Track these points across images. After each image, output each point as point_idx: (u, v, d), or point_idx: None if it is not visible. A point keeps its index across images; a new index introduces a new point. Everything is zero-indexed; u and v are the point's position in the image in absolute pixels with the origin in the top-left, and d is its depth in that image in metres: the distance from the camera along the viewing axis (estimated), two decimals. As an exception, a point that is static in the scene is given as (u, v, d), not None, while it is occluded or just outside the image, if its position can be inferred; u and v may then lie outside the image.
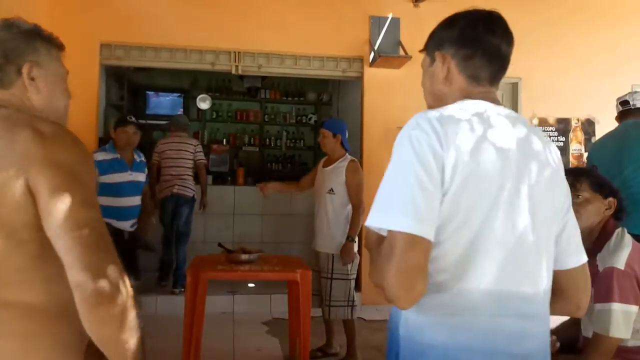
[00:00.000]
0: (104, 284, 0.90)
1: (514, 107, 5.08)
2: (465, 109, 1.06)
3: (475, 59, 1.13)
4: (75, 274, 0.91)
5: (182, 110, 7.21)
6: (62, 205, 0.93)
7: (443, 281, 0.99)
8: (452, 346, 0.99)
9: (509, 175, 1.02)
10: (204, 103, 6.98)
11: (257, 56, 4.78)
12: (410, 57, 4.60)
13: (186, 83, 7.31)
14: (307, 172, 3.85)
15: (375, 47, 4.76)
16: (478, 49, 1.12)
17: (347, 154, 3.42)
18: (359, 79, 4.95)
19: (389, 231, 0.98)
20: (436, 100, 1.17)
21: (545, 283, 1.08)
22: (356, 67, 4.91)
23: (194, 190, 4.72)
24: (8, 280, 0.96)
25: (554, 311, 1.16)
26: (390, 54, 4.67)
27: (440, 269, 0.99)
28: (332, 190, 3.32)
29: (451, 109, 1.05)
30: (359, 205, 3.27)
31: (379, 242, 1.03)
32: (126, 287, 0.94)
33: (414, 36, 4.78)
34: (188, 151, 4.69)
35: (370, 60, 4.81)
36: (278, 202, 5.28)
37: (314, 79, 5.77)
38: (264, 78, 7.07)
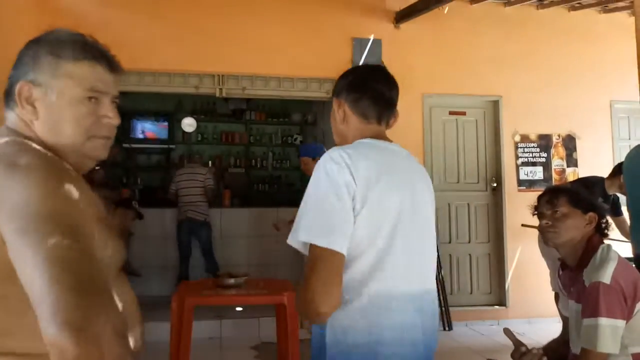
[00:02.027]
0: (88, 344, 0.67)
1: (496, 124, 5.15)
2: (365, 146, 1.32)
3: (363, 100, 1.38)
4: (49, 328, 0.68)
5: (167, 133, 7.19)
6: (29, 248, 0.74)
7: (360, 289, 1.21)
8: (372, 341, 1.20)
9: (405, 196, 1.29)
10: (189, 126, 6.97)
11: (241, 78, 4.80)
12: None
13: (171, 106, 7.30)
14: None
15: (358, 68, 4.81)
16: (364, 92, 1.38)
17: None
18: (343, 99, 4.99)
19: (311, 246, 1.18)
20: (339, 138, 1.44)
21: (433, 283, 1.37)
22: (340, 87, 4.95)
23: (206, 214, 5.28)
24: None
25: None
26: (372, 75, 4.72)
27: (357, 279, 1.21)
28: None
29: (355, 147, 1.30)
30: None
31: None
32: (121, 344, 0.72)
33: (396, 57, 4.87)
34: (199, 180, 5.30)
35: (354, 81, 4.86)
36: (263, 224, 5.25)
37: (298, 100, 5.80)
38: (249, 100, 7.10)
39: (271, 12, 4.75)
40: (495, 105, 5.16)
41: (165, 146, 7.37)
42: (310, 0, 4.80)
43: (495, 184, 5.11)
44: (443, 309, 4.74)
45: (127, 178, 7.12)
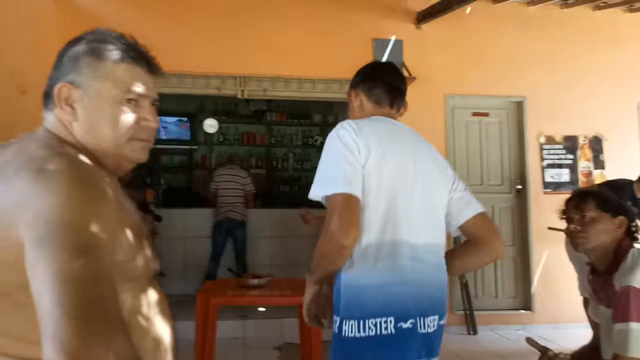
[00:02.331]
0: None
1: (520, 125, 5.08)
2: (372, 119, 1.56)
3: (377, 88, 1.62)
4: (46, 349, 0.66)
5: (189, 134, 7.28)
6: (41, 260, 0.71)
7: (367, 238, 1.39)
8: (379, 283, 1.38)
9: (406, 163, 1.47)
10: (210, 127, 7.04)
11: (262, 80, 4.83)
12: (414, 79, 4.63)
13: (193, 107, 7.38)
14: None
15: (380, 69, 4.80)
16: (378, 82, 1.62)
17: None
18: (365, 100, 4.98)
19: (330, 197, 1.38)
20: None
21: (435, 238, 1.51)
22: (361, 89, 4.94)
23: (244, 215, 5.45)
24: (16, 337, 0.81)
25: (478, 262, 1.64)
26: (394, 76, 4.71)
27: (366, 229, 1.38)
28: None
29: (363, 119, 1.55)
30: None
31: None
32: None
33: (417, 58, 4.84)
34: (239, 182, 5.51)
35: (375, 82, 4.85)
36: (286, 225, 5.28)
37: (319, 101, 5.82)
38: (269, 101, 7.14)
39: (292, 14, 4.77)
40: (519, 106, 5.09)
41: (188, 147, 7.46)
42: (330, 1, 4.80)
43: (519, 186, 5.03)
44: (467, 312, 4.69)
45: (150, 178, 7.22)
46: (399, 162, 1.46)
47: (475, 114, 5.06)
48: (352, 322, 1.36)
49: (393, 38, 4.88)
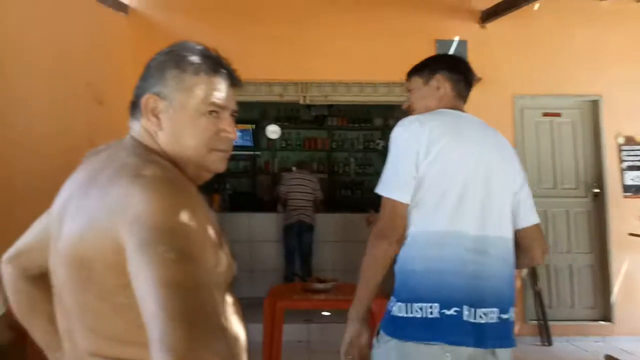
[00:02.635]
0: None
1: (595, 126, 4.79)
2: (439, 113, 1.58)
3: (462, 82, 1.65)
4: (154, 352, 0.68)
5: (252, 140, 7.46)
6: (145, 264, 0.73)
7: (421, 227, 1.46)
8: (427, 269, 1.44)
9: (469, 155, 1.49)
10: (273, 133, 7.18)
11: (323, 86, 4.86)
12: (480, 79, 4.47)
13: (256, 114, 7.56)
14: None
15: (444, 71, 4.69)
16: (462, 76, 1.66)
17: None
18: (428, 103, 4.88)
19: (382, 198, 1.49)
20: (424, 112, 1.61)
21: (498, 231, 1.51)
22: (424, 91, 4.86)
23: (313, 218, 5.58)
24: (115, 338, 0.84)
25: (520, 264, 1.63)
26: (459, 77, 4.59)
27: (419, 218, 1.46)
28: None
29: (428, 114, 1.56)
30: None
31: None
32: None
33: (483, 58, 4.67)
34: (309, 186, 5.66)
35: (439, 84, 4.75)
36: (348, 229, 5.26)
37: (380, 104, 5.77)
38: (330, 106, 7.17)
39: (352, 19, 4.77)
40: (594, 105, 4.80)
41: (251, 153, 7.63)
42: (391, 4, 4.75)
43: (597, 190, 4.73)
44: (541, 322, 4.46)
45: (217, 184, 7.46)
46: (459, 155, 1.48)
47: (546, 115, 4.82)
48: (400, 303, 1.45)
49: (457, 39, 4.76)
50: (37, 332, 1.11)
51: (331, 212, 6.07)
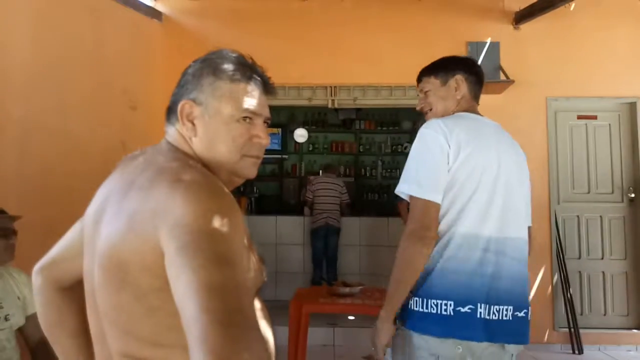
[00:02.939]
0: None
1: (633, 128, 4.64)
2: (461, 117, 1.62)
3: (478, 83, 1.70)
4: (195, 354, 0.69)
5: (280, 143, 7.49)
6: (186, 267, 0.75)
7: (448, 229, 1.51)
8: (446, 270, 1.51)
9: (492, 160, 1.56)
10: (300, 137, 7.20)
11: (352, 89, 4.85)
12: (513, 82, 4.41)
13: (284, 118, 7.60)
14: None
15: (474, 73, 4.62)
16: (479, 78, 1.71)
17: None
18: (457, 106, 4.82)
19: (413, 197, 1.51)
20: (444, 113, 1.67)
21: (516, 232, 1.59)
22: (454, 94, 4.80)
23: (340, 222, 5.61)
24: (145, 340, 0.85)
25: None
26: (490, 79, 4.51)
27: (447, 221, 1.51)
28: None
29: (451, 118, 1.60)
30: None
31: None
32: None
33: (516, 59, 4.60)
34: (336, 190, 5.70)
35: (469, 87, 4.68)
36: (375, 233, 5.23)
37: (408, 107, 5.73)
38: (358, 109, 7.15)
39: (382, 22, 4.75)
40: (632, 107, 4.65)
41: (279, 156, 7.67)
42: (421, 6, 4.71)
43: (633, 195, 4.58)
44: (572, 330, 4.34)
45: (244, 187, 7.52)
46: (484, 160, 1.54)
47: (580, 117, 4.70)
48: (417, 299, 1.53)
49: (489, 40, 4.68)
50: (58, 346, 1.14)
51: (358, 216, 6.06)
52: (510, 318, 1.53)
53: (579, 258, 4.57)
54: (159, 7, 4.62)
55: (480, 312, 1.49)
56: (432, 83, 1.68)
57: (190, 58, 1.04)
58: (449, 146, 1.50)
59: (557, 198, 4.58)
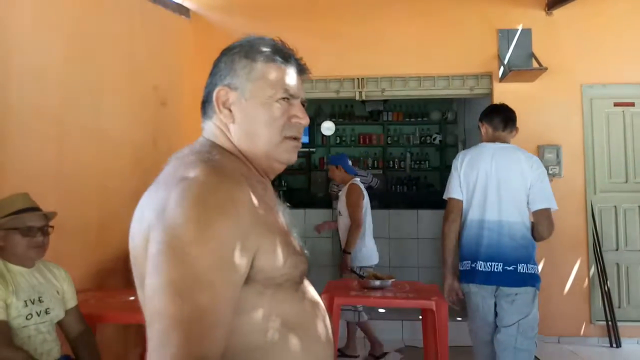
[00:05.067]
0: None
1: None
2: (477, 147, 2.78)
3: (493, 122, 2.79)
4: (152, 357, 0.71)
5: (307, 137, 7.49)
6: (150, 270, 0.76)
7: (464, 216, 2.73)
8: (467, 242, 2.71)
9: (485, 171, 2.67)
10: (328, 129, 7.18)
11: (380, 80, 4.80)
12: (546, 69, 4.28)
13: (311, 111, 7.59)
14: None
15: (505, 62, 4.51)
16: (493, 118, 2.80)
17: (354, 178, 4.09)
18: (488, 95, 4.72)
19: (446, 199, 2.78)
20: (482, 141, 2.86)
21: (509, 216, 2.61)
22: (484, 83, 4.69)
23: None
24: None
25: (535, 238, 2.65)
26: (522, 67, 4.39)
27: (464, 212, 2.75)
28: (340, 212, 4.02)
29: (470, 148, 2.83)
30: (353, 222, 3.86)
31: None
32: None
33: (549, 46, 4.48)
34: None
35: (500, 76, 4.57)
36: (404, 226, 5.19)
37: (437, 98, 5.64)
38: (385, 101, 7.08)
39: (409, 12, 4.68)
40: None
41: (306, 149, 7.68)
42: (450, -5, 4.62)
43: (673, 184, 4.41)
44: (610, 323, 4.23)
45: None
46: (481, 170, 2.67)
47: (617, 104, 4.53)
48: (459, 262, 2.74)
49: (520, 27, 4.56)
50: None
51: (387, 209, 6.02)
52: (501, 270, 2.56)
53: (617, 250, 4.43)
54: (187, 3, 4.66)
55: (480, 266, 2.61)
56: (480, 126, 2.88)
57: (218, 54, 1.03)
58: (462, 167, 2.73)
59: (593, 188, 4.44)
